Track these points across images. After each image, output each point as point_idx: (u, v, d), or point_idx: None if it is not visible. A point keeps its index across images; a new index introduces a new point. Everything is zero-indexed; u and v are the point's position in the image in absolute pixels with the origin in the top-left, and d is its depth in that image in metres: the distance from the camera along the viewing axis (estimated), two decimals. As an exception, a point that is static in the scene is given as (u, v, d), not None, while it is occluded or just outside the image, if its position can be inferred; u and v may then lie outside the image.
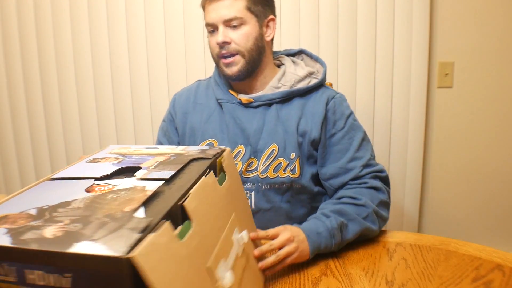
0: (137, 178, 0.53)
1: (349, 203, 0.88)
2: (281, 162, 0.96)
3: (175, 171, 0.55)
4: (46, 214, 0.42)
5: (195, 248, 0.45)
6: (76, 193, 0.49)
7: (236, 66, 0.96)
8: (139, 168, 0.58)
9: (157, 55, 1.55)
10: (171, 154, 0.64)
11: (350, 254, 0.83)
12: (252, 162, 0.97)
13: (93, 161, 0.64)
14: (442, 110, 1.58)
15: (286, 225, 0.81)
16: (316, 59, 1.07)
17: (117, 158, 0.64)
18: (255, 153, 0.97)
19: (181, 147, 0.70)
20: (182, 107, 1.07)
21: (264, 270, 0.72)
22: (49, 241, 0.36)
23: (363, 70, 1.51)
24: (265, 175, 0.96)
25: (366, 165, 0.95)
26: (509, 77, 1.54)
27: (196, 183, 0.52)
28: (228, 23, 0.94)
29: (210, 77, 1.10)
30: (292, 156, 0.96)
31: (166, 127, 1.10)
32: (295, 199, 0.99)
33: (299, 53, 1.10)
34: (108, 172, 0.57)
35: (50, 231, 0.38)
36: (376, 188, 0.92)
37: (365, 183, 0.92)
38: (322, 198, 1.02)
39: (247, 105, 0.99)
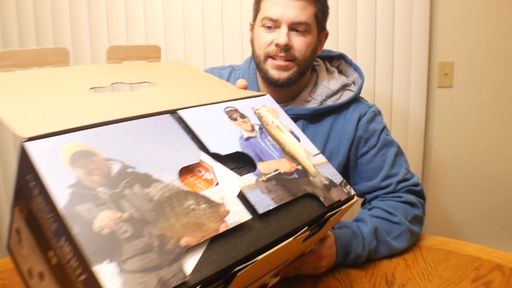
0: (239, 189, 0.45)
1: (385, 219, 0.83)
2: None
3: (276, 205, 0.46)
4: (119, 185, 0.38)
5: None
6: (168, 170, 0.42)
7: (287, 72, 0.87)
8: (254, 166, 0.49)
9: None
10: (297, 168, 0.53)
11: (350, 254, 0.83)
12: None
13: (232, 112, 0.55)
14: (442, 110, 1.58)
15: (330, 241, 0.75)
16: (355, 69, 0.98)
17: (252, 130, 0.54)
18: None
19: (316, 159, 0.57)
20: None
21: None
22: (89, 237, 0.33)
23: (363, 70, 1.50)
24: None
25: (402, 181, 0.89)
26: (509, 77, 1.54)
27: (280, 241, 0.44)
28: (294, 25, 0.85)
29: (241, 68, 1.00)
30: None
31: None
32: None
33: (338, 57, 1.01)
34: (227, 150, 0.48)
35: (101, 221, 0.35)
36: (411, 204, 0.87)
37: (399, 197, 0.87)
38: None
39: None
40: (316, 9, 0.87)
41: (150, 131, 0.45)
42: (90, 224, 0.34)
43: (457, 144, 1.60)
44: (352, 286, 0.72)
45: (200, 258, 0.37)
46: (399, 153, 0.94)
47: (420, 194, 0.90)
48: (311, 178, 0.53)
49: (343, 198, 0.54)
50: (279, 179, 0.49)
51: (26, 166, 0.37)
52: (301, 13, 0.84)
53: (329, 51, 1.02)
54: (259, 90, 0.95)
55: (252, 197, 0.45)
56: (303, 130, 0.92)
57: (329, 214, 0.51)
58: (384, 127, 0.94)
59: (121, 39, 1.54)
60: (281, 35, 0.84)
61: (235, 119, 0.53)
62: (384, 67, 1.51)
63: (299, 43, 0.86)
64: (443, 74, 1.55)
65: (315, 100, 0.92)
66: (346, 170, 0.95)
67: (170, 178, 0.41)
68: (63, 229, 0.34)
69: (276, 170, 0.50)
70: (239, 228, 0.42)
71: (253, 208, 0.44)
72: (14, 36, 1.57)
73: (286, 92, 0.93)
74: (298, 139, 0.58)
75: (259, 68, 0.91)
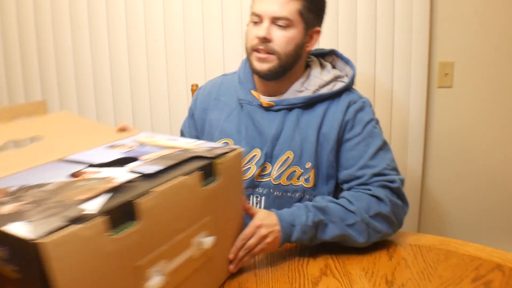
0: (127, 169, 0.55)
1: (340, 205, 0.83)
2: (295, 170, 0.93)
3: (163, 167, 0.55)
4: (19, 193, 0.46)
5: (128, 246, 0.45)
6: (60, 176, 0.52)
7: (268, 64, 0.92)
8: (137, 159, 0.60)
9: (157, 55, 1.55)
10: (179, 149, 0.64)
11: (350, 254, 0.83)
12: (266, 167, 0.94)
13: (113, 146, 0.66)
14: (442, 110, 1.58)
15: (262, 212, 0.80)
16: (346, 62, 1.02)
17: (132, 147, 0.66)
18: (270, 158, 0.94)
19: (196, 142, 0.70)
20: (202, 102, 1.05)
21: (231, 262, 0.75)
22: None
23: (363, 70, 1.51)
24: (278, 182, 0.94)
25: (378, 174, 0.87)
26: (509, 77, 1.54)
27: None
28: (275, 20, 0.90)
29: (235, 73, 1.06)
30: (308, 165, 0.93)
31: (187, 121, 1.10)
32: None
33: (330, 53, 1.05)
34: (110, 159, 0.59)
35: (7, 208, 0.42)
36: (378, 198, 0.84)
37: (368, 189, 0.86)
38: None
39: (267, 108, 0.96)
40: (301, 6, 0.90)
41: (41, 168, 0.56)
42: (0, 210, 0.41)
43: (457, 144, 1.60)
44: (352, 286, 0.72)
45: (102, 203, 0.44)
46: (384, 148, 0.92)
47: (396, 193, 0.86)
48: (192, 150, 0.64)
49: (226, 151, 0.65)
50: (163, 157, 0.60)
51: None
52: (282, 8, 0.88)
53: (321, 49, 1.06)
54: (254, 86, 1.00)
55: (139, 169, 0.55)
56: (298, 118, 0.94)
57: (216, 161, 0.63)
58: (373, 119, 0.94)
59: (121, 39, 1.54)
60: (261, 29, 0.90)
61: (114, 147, 0.66)
62: (384, 67, 1.51)
63: (279, 37, 0.90)
64: (443, 74, 1.55)
65: (308, 90, 0.95)
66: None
67: (62, 179, 0.51)
68: None
69: (159, 155, 0.61)
70: (133, 183, 0.50)
71: (142, 174, 0.53)
72: (14, 36, 1.58)
73: (279, 85, 0.97)
74: (176, 140, 0.71)
75: (248, 60, 0.97)
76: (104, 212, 0.43)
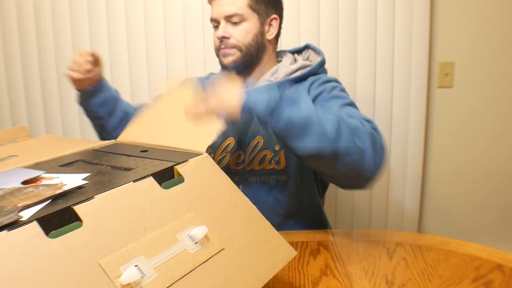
0: (81, 176, 0.58)
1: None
2: (266, 154, 0.96)
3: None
4: None
5: (78, 245, 0.47)
6: (13, 182, 0.55)
7: (232, 56, 1.00)
8: None
9: (157, 54, 1.55)
10: None
11: (350, 254, 0.83)
12: (240, 154, 0.98)
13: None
14: (442, 110, 1.58)
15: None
16: (318, 53, 1.07)
17: None
18: (242, 146, 0.98)
19: None
20: None
21: None
22: None
23: (363, 70, 1.51)
24: (251, 168, 0.97)
25: (351, 117, 0.81)
26: (509, 77, 1.54)
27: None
28: (229, 19, 0.98)
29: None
30: (277, 147, 0.96)
31: None
32: (282, 195, 0.99)
33: (306, 48, 1.10)
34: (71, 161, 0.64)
35: None
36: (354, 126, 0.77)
37: None
38: (312, 187, 1.00)
39: None
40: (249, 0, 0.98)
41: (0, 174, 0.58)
42: None
43: (457, 144, 1.60)
44: (352, 286, 0.72)
45: (40, 209, 0.47)
46: (354, 105, 0.92)
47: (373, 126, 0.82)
48: None
49: (191, 157, 0.67)
50: None
51: None
52: (231, 6, 0.97)
53: (297, 47, 1.11)
54: None
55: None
56: None
57: (176, 166, 0.64)
58: (337, 87, 0.97)
59: (121, 40, 1.54)
60: (219, 30, 0.99)
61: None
62: (384, 67, 1.51)
63: (236, 32, 0.98)
64: (444, 74, 1.55)
65: (277, 79, 1.02)
66: None
67: (13, 185, 0.54)
68: None
69: None
70: (82, 189, 0.53)
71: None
72: (14, 36, 1.58)
73: (252, 78, 1.04)
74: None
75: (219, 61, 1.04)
76: (36, 218, 0.45)
